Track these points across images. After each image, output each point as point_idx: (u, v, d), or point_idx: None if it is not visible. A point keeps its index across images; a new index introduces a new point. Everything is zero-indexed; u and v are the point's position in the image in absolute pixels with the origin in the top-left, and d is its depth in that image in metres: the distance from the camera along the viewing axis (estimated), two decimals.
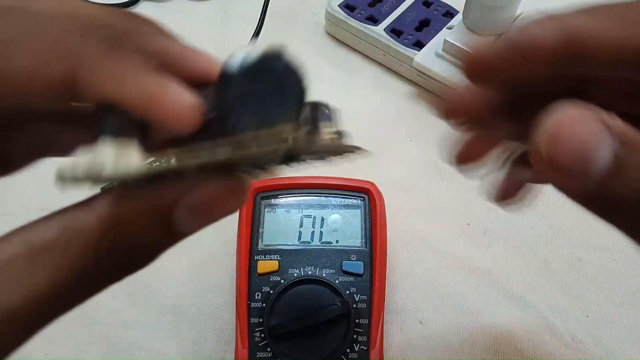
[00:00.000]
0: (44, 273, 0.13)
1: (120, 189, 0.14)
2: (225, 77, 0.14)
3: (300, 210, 0.33)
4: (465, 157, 0.21)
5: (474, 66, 0.18)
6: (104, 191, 0.14)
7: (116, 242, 0.14)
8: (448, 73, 0.41)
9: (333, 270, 0.31)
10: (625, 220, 0.14)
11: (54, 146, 0.18)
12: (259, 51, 0.15)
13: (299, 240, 0.32)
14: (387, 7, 0.45)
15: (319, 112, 0.17)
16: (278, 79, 0.14)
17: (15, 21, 0.13)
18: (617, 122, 0.14)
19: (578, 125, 0.13)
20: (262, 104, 0.14)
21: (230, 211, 0.15)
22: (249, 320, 0.30)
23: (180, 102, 0.14)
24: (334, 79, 0.45)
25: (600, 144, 0.13)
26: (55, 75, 0.13)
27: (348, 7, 0.45)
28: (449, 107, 0.20)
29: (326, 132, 0.17)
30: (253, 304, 0.30)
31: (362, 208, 0.33)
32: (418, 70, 0.42)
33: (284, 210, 0.33)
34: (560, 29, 0.15)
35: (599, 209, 0.14)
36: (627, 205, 0.14)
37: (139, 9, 0.49)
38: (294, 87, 0.15)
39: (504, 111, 0.19)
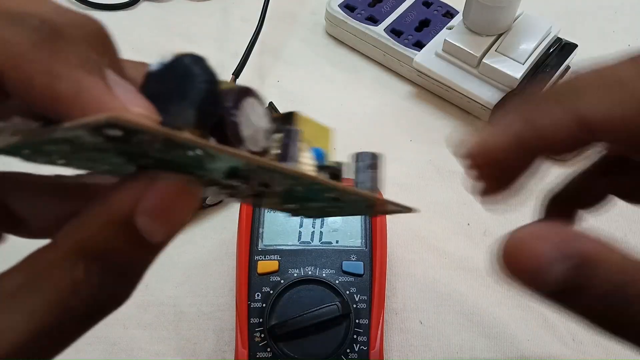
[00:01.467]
0: (18, 319, 0.12)
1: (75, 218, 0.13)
2: (147, 76, 0.14)
3: None
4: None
5: (481, 165, 0.16)
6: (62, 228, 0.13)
7: (91, 266, 0.13)
8: (448, 73, 0.41)
9: (333, 270, 0.31)
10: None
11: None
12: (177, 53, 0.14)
13: (299, 241, 0.32)
14: (387, 8, 0.45)
15: (291, 134, 0.15)
16: (182, 77, 0.13)
17: None
18: (579, 240, 0.13)
19: (530, 241, 0.14)
20: (167, 103, 0.13)
21: (189, 212, 0.14)
22: (249, 320, 0.30)
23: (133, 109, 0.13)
24: (334, 79, 0.45)
25: (551, 263, 0.13)
26: None
27: (348, 8, 0.45)
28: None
29: (305, 162, 0.16)
30: (253, 304, 0.30)
31: None
32: (418, 71, 0.42)
33: None
34: (569, 119, 0.14)
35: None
36: (594, 317, 0.14)
37: (139, 9, 0.49)
38: (196, 84, 0.13)
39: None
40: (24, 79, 0.11)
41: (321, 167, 0.17)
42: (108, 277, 0.13)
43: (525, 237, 0.14)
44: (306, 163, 0.16)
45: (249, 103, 0.15)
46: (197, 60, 0.14)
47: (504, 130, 0.15)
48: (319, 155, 0.17)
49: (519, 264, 0.14)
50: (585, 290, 0.13)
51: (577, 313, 0.14)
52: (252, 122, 0.15)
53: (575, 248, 0.13)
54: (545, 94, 0.15)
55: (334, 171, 0.17)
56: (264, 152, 0.15)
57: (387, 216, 0.33)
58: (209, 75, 0.13)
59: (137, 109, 0.12)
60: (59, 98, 0.12)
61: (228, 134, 0.14)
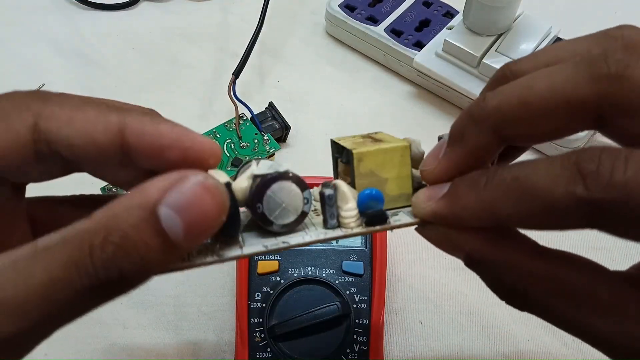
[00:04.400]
0: (42, 267, 0.14)
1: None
2: None
3: None
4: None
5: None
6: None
7: (108, 237, 0.14)
8: (448, 73, 0.41)
9: (333, 270, 0.31)
10: None
11: None
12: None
13: None
14: (387, 8, 0.45)
15: (324, 198, 0.19)
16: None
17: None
18: (466, 240, 0.18)
19: (432, 239, 0.20)
20: None
21: (212, 218, 0.16)
22: (249, 320, 0.30)
23: (207, 139, 0.18)
24: (334, 79, 0.45)
25: (454, 252, 0.19)
26: (113, 125, 0.17)
27: (348, 8, 0.45)
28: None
29: (346, 217, 0.19)
30: (253, 304, 0.30)
31: None
32: (418, 71, 0.42)
33: None
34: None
35: None
36: None
37: (139, 9, 0.49)
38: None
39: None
40: (139, 132, 0.17)
41: (363, 215, 0.19)
42: (121, 259, 0.14)
43: (428, 236, 0.20)
44: (347, 217, 0.19)
45: (276, 187, 0.18)
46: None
47: (444, 158, 0.20)
48: (375, 197, 0.19)
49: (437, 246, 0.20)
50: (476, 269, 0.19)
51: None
52: (279, 201, 0.18)
53: (462, 248, 0.18)
54: (471, 117, 0.18)
55: (373, 216, 0.19)
56: (302, 217, 0.19)
57: None
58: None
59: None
60: (165, 137, 0.17)
61: (259, 223, 0.18)
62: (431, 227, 0.19)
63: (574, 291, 0.16)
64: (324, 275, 0.30)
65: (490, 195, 0.17)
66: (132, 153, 0.17)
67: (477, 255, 0.18)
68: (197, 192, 0.15)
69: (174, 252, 0.15)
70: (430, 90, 0.43)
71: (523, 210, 0.16)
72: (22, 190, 0.19)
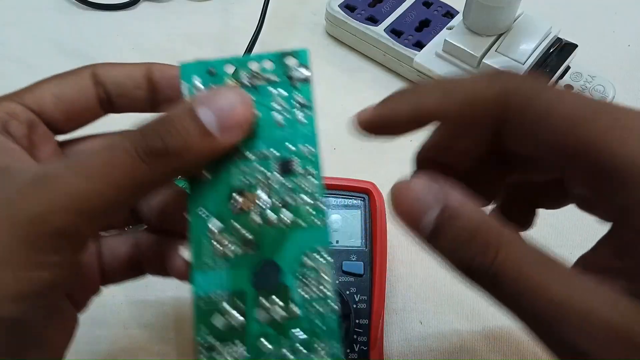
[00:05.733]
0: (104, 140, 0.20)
1: None
2: None
3: None
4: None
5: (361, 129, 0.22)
6: None
7: (154, 120, 0.18)
8: (448, 73, 0.41)
9: (333, 271, 0.31)
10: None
11: None
12: None
13: None
14: (387, 8, 0.45)
15: None
16: None
17: None
18: (449, 192, 0.17)
19: (411, 190, 0.18)
20: None
21: (242, 111, 0.19)
22: None
23: None
24: (334, 79, 0.45)
25: (427, 209, 0.17)
26: (142, 66, 0.23)
27: (348, 8, 0.45)
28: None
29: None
30: None
31: (362, 208, 0.33)
32: (418, 71, 0.42)
33: None
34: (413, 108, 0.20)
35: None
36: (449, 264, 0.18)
37: (139, 9, 0.49)
38: None
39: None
40: None
41: None
42: (163, 133, 0.18)
43: (411, 185, 0.18)
44: None
45: None
46: None
47: (373, 111, 0.22)
48: None
49: (404, 208, 0.18)
50: (441, 235, 0.18)
51: (438, 255, 0.18)
52: None
53: (442, 198, 0.17)
54: (401, 92, 0.21)
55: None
56: None
57: (388, 216, 0.33)
58: None
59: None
60: None
61: None
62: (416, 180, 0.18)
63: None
64: None
65: (419, 93, 0.20)
66: (157, 85, 0.22)
67: (455, 206, 0.17)
68: (227, 94, 0.19)
69: (211, 140, 0.18)
70: None
71: (449, 102, 0.19)
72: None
